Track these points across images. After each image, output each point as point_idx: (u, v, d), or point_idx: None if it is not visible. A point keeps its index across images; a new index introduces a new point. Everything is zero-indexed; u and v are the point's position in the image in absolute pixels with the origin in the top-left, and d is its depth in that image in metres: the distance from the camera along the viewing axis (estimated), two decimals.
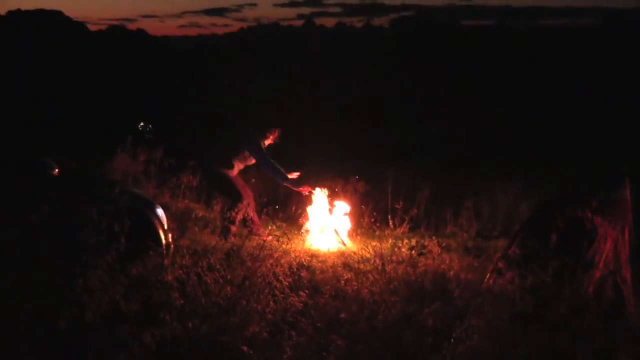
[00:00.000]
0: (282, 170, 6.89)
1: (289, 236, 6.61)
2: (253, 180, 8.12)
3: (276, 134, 7.13)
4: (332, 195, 7.40)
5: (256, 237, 6.45)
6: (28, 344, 3.04)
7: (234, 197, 6.83)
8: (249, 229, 6.86)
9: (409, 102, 54.99)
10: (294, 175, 7.04)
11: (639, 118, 42.08)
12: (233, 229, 6.74)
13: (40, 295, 3.22)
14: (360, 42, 79.72)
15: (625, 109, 48.41)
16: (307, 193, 7.15)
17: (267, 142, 7.10)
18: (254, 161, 7.06)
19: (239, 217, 6.62)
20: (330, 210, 7.23)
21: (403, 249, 6.39)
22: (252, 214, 6.94)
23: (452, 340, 3.59)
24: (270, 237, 6.32)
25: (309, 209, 7.29)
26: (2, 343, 3.03)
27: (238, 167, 7.06)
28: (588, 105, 51.79)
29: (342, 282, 5.11)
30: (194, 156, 7.93)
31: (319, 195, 7.20)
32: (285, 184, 7.00)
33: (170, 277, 3.68)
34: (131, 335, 3.16)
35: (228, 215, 6.58)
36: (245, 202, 6.69)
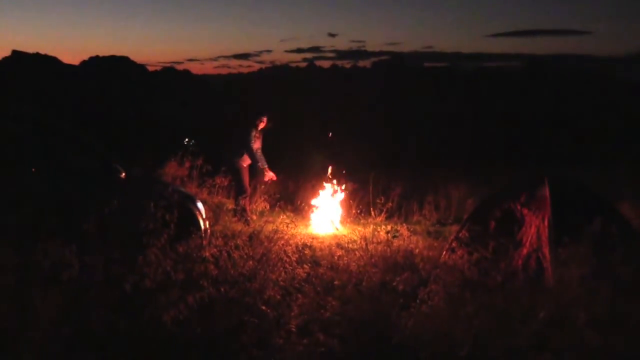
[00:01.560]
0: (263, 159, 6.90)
1: (296, 223, 6.60)
2: (269, 181, 8.08)
3: (265, 120, 6.99)
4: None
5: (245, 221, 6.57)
6: (102, 302, 3.04)
7: (242, 188, 6.90)
8: (244, 217, 6.77)
9: (385, 123, 54.97)
10: (270, 174, 6.98)
11: (555, 133, 42.47)
12: (251, 216, 6.84)
13: (112, 266, 3.22)
14: (349, 79, 79.81)
15: (544, 127, 48.88)
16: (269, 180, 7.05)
17: (261, 126, 6.97)
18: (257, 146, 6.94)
19: (247, 206, 6.86)
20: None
21: (381, 233, 6.34)
22: (248, 204, 7.04)
23: (418, 301, 3.58)
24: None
25: (313, 201, 7.29)
26: (83, 302, 3.03)
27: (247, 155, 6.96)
28: (519, 125, 51.90)
29: (336, 257, 5.11)
30: (218, 153, 7.71)
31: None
32: (261, 166, 6.90)
33: (207, 254, 3.67)
34: (178, 297, 3.15)
35: (239, 203, 6.77)
36: (247, 194, 6.95)
